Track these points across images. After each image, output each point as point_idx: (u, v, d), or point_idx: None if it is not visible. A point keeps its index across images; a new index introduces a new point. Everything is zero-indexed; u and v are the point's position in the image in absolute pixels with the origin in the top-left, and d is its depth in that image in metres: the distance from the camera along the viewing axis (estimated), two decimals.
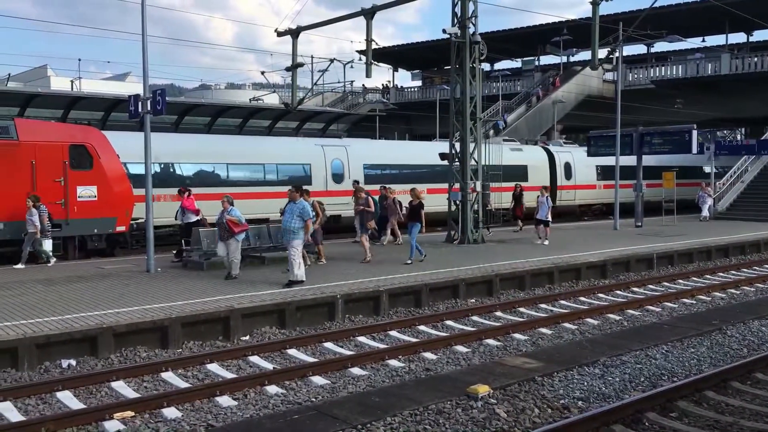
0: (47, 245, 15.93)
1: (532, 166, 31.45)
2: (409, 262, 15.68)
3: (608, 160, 28.06)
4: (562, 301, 13.96)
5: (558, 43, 44.56)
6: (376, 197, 19.32)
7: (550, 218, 20.35)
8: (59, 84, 58.81)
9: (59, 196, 16.72)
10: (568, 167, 33.25)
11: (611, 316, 12.64)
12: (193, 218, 16.54)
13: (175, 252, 16.97)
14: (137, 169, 18.49)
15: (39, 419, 7.23)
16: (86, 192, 17.19)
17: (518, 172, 29.20)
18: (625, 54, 33.13)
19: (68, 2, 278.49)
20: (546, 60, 54.62)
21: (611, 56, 27.37)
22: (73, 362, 9.41)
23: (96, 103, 29.74)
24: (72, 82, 54.22)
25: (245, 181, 23.19)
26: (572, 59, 49.97)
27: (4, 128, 16.59)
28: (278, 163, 24.26)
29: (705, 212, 29.87)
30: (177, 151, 22.08)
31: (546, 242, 19.84)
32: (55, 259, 16.05)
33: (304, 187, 14.65)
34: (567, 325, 11.91)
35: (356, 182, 21.06)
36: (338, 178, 25.32)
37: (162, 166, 21.43)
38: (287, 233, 13.02)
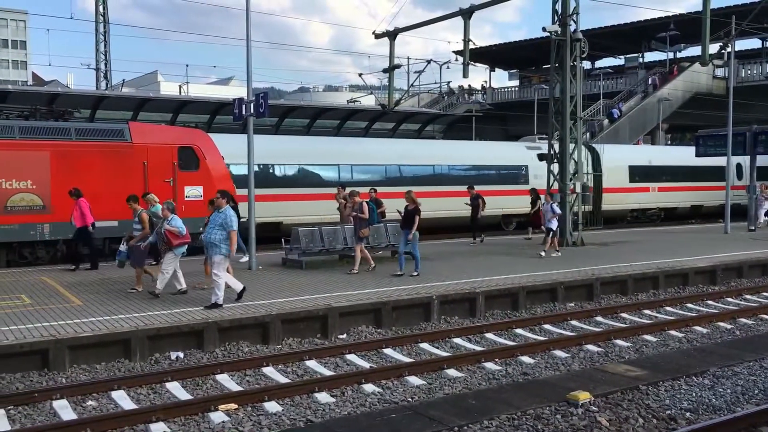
0: None
1: None
2: (416, 273, 14.06)
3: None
4: (668, 308, 13.40)
5: (664, 39, 42.84)
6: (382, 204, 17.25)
7: (554, 226, 17.88)
8: (168, 89, 61.83)
9: (168, 195, 17.47)
10: None
11: (722, 324, 12.01)
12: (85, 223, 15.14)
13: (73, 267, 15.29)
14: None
15: (150, 408, 7.60)
16: (193, 192, 17.94)
17: None
18: (737, 49, 31.43)
19: (177, 10, 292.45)
20: (651, 57, 52.65)
21: (722, 51, 26.03)
22: (181, 354, 9.84)
23: (202, 107, 31.07)
24: (180, 86, 56.81)
25: None
26: (679, 55, 47.90)
27: (119, 131, 17.57)
28: None
29: (762, 218, 26.46)
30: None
31: (555, 254, 17.41)
32: None
33: None
34: (673, 332, 11.41)
35: (342, 186, 18.71)
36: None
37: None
38: (209, 247, 11.27)
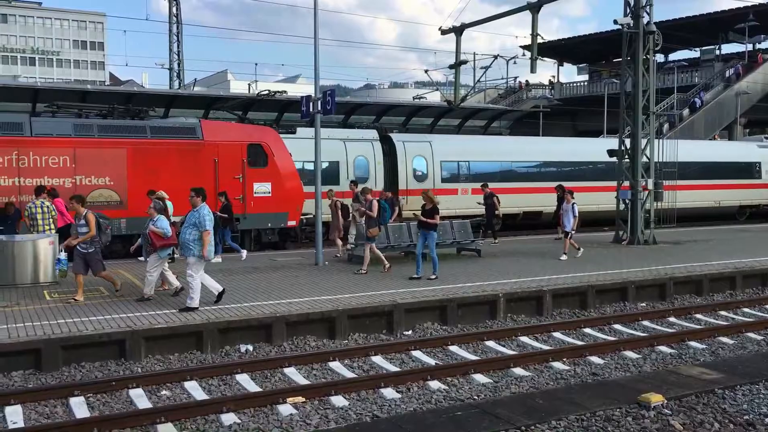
0: None
1: None
2: (434, 276, 13.41)
3: None
4: (746, 309, 12.89)
5: (742, 30, 41.17)
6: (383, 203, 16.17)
7: (573, 229, 16.81)
8: (238, 87, 63.08)
9: (238, 192, 17.91)
10: None
11: None
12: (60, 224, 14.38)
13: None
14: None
15: (221, 399, 7.79)
16: (262, 188, 18.30)
17: None
18: None
19: (246, 10, 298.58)
20: (727, 48, 50.62)
21: None
22: (250, 347, 10.05)
23: (270, 104, 31.51)
24: (249, 85, 57.92)
25: None
26: (759, 47, 45.93)
27: (191, 129, 18.06)
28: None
29: None
30: None
31: (563, 257, 16.33)
32: None
33: None
34: (751, 334, 10.97)
35: (354, 182, 18.70)
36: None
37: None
38: (182, 247, 10.83)
